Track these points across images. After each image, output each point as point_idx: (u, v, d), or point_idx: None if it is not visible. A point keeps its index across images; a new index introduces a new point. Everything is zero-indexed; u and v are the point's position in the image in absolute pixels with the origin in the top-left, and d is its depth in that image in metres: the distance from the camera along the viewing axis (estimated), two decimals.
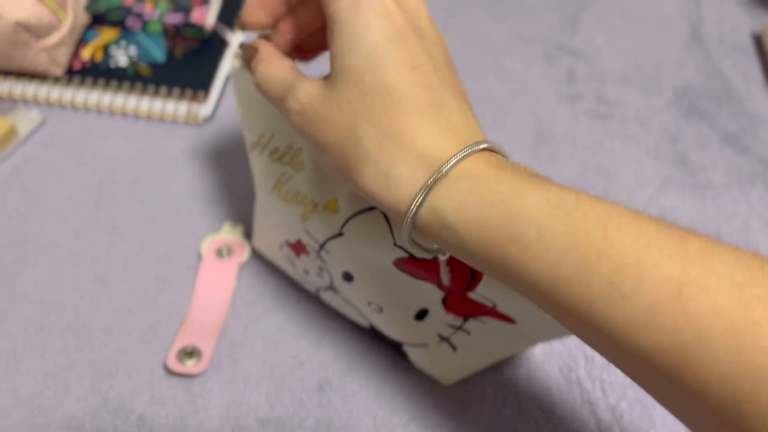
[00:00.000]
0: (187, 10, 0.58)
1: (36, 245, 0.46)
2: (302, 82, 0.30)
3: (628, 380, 0.42)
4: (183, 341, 0.42)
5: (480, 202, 0.24)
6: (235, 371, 0.42)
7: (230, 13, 0.60)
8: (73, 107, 0.55)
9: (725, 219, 0.50)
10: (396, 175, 0.26)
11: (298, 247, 0.39)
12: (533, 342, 0.37)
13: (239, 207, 0.49)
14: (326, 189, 0.35)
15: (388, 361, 0.43)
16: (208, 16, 0.58)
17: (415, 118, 0.26)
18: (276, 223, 0.40)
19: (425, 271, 0.33)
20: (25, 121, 0.52)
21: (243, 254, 0.46)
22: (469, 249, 0.25)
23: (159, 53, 0.57)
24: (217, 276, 0.45)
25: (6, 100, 0.54)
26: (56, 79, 0.55)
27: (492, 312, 0.34)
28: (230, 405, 0.40)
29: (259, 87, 0.32)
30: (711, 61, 0.61)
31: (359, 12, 0.28)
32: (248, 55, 0.34)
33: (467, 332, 0.37)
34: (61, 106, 0.55)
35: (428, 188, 0.25)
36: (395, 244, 0.32)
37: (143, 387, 0.41)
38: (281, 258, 0.42)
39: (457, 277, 0.32)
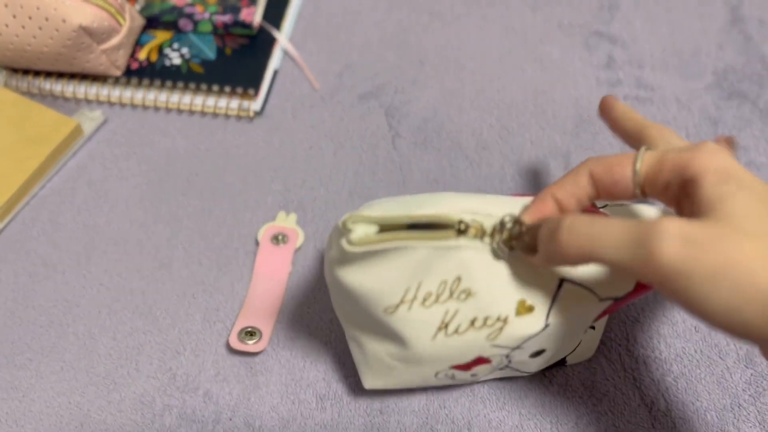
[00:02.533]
0: (235, 10, 0.60)
1: (104, 236, 0.50)
2: (664, 219, 0.26)
3: (672, 355, 0.43)
4: (243, 322, 0.44)
5: None
6: (293, 350, 0.44)
7: (276, 11, 0.62)
8: (133, 106, 0.58)
9: None
10: None
11: (472, 364, 0.37)
12: None
13: (291, 196, 0.51)
14: (508, 296, 0.33)
15: None
16: (255, 15, 0.60)
17: None
18: (439, 359, 0.36)
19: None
20: (89, 120, 0.56)
21: (297, 241, 0.48)
22: None
23: (210, 52, 0.60)
24: (274, 261, 0.47)
25: (71, 100, 0.58)
26: (116, 80, 0.58)
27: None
28: (290, 381, 0.43)
29: (587, 253, 0.28)
30: (751, 42, 0.61)
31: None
32: (527, 231, 0.32)
33: None
34: (121, 105, 0.58)
35: None
36: (601, 299, 0.34)
37: (208, 365, 0.44)
38: (430, 382, 0.39)
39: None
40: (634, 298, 0.35)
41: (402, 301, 0.33)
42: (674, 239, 0.25)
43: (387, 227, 0.32)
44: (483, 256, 0.33)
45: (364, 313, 0.35)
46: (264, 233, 0.48)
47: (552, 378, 0.43)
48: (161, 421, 0.41)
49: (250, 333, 0.43)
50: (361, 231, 0.32)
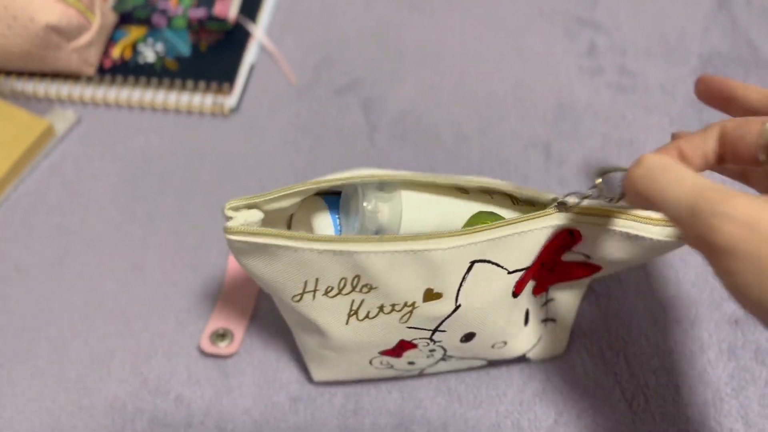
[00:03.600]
0: (209, 4, 0.59)
1: (78, 237, 0.49)
2: (734, 195, 0.24)
3: (653, 349, 0.42)
4: (215, 324, 0.43)
5: None
6: (266, 351, 0.43)
7: (252, 4, 0.61)
8: (106, 104, 0.57)
9: None
10: None
11: (399, 349, 0.37)
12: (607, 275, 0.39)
13: None
14: (413, 287, 0.32)
15: None
16: (230, 9, 0.59)
17: None
18: (363, 344, 0.36)
19: (533, 269, 0.34)
20: (62, 119, 0.55)
21: None
22: None
23: (184, 47, 0.59)
24: None
25: (43, 100, 0.57)
26: (89, 78, 0.57)
27: (580, 269, 0.36)
28: (262, 383, 0.42)
29: (649, 196, 0.27)
30: (737, 26, 0.60)
31: None
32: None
33: (552, 299, 0.39)
34: (94, 104, 0.57)
35: None
36: (509, 271, 0.33)
37: (180, 368, 0.43)
38: (371, 370, 0.39)
39: (558, 241, 0.34)
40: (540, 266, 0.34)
41: (304, 291, 0.33)
42: (737, 221, 0.24)
43: (272, 211, 0.32)
44: (380, 258, 0.31)
45: (280, 302, 0.35)
46: None
47: (531, 374, 0.42)
48: (132, 426, 0.41)
49: (221, 335, 0.43)
50: (242, 218, 0.31)
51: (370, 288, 0.32)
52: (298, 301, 0.33)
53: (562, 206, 0.32)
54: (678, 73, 0.56)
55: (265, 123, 0.55)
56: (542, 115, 0.54)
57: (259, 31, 0.60)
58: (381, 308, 0.33)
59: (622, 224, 0.32)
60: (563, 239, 0.33)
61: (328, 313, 0.34)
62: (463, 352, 0.38)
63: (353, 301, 0.33)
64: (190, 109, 0.56)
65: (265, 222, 0.34)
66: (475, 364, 0.41)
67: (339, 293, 0.33)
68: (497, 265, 0.32)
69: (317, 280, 0.32)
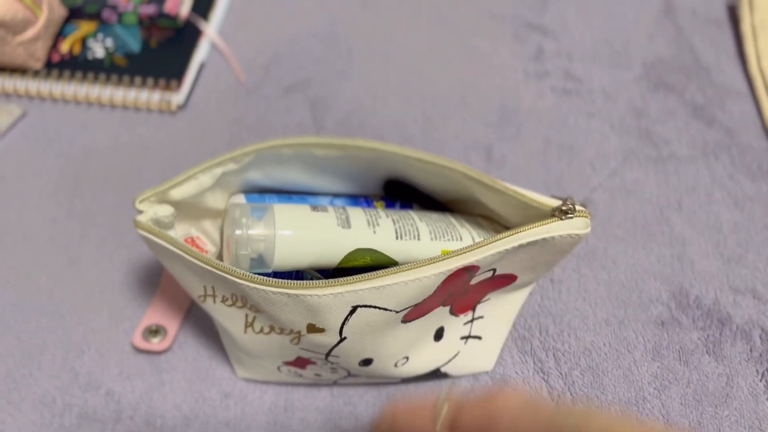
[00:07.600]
0: (160, 1, 0.59)
1: (14, 232, 0.49)
2: None
3: (581, 349, 0.43)
4: (149, 320, 0.43)
5: None
6: (200, 348, 0.43)
7: (205, 2, 0.61)
8: (53, 99, 0.57)
9: (687, 190, 0.51)
10: None
11: (300, 362, 0.37)
12: (531, 283, 0.39)
13: None
14: (295, 318, 0.31)
15: None
16: (182, 6, 0.59)
17: None
18: (264, 353, 0.36)
19: (432, 303, 0.33)
20: (5, 114, 0.54)
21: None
22: None
23: (135, 44, 0.59)
24: None
25: None
26: (36, 73, 0.57)
27: (494, 282, 0.35)
28: (194, 379, 0.42)
29: None
30: (682, 34, 0.61)
31: None
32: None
33: (480, 317, 0.38)
34: (40, 98, 0.57)
35: None
36: (397, 312, 0.32)
37: (112, 364, 0.43)
38: (283, 376, 0.40)
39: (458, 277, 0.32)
40: (440, 297, 0.33)
41: (205, 295, 0.33)
42: None
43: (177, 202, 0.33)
44: (256, 293, 0.30)
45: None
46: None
47: None
48: (60, 421, 0.41)
49: (154, 331, 0.43)
50: (152, 213, 0.31)
51: (258, 310, 0.32)
52: (203, 301, 0.34)
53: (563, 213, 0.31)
54: (621, 79, 0.58)
55: (212, 120, 0.55)
56: (486, 116, 0.55)
57: (210, 30, 0.60)
58: (272, 328, 0.33)
59: (507, 241, 0.31)
60: (460, 275, 0.32)
61: (227, 319, 0.34)
62: (367, 373, 0.37)
63: (246, 315, 0.33)
64: (137, 105, 0.56)
65: (188, 217, 0.34)
66: (387, 382, 0.41)
67: (233, 305, 0.33)
68: (383, 309, 0.31)
69: (213, 287, 0.32)
